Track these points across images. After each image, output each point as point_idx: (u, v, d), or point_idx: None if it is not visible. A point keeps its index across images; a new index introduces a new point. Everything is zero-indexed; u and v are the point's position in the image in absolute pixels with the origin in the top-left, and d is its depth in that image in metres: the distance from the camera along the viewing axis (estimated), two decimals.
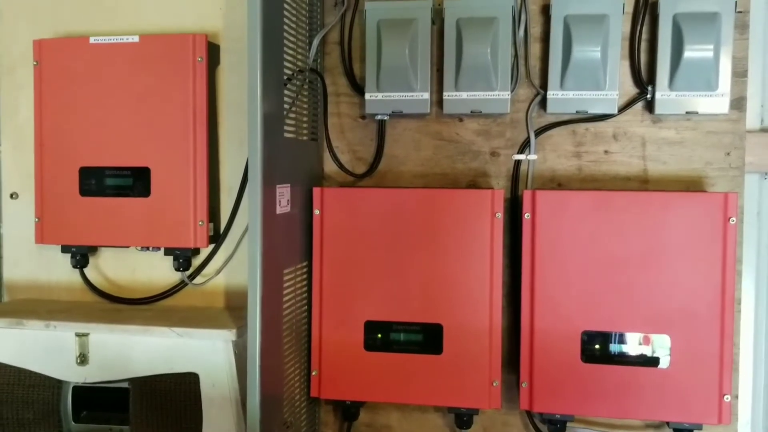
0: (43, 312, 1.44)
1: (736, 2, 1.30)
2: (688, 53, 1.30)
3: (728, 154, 1.37)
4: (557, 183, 1.42)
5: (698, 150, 1.38)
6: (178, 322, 1.37)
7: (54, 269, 1.58)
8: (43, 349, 1.39)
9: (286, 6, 1.27)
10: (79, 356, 1.38)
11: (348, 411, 1.43)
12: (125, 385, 1.43)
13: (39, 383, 1.45)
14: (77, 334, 1.37)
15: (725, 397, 1.26)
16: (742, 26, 1.34)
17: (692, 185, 1.38)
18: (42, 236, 1.49)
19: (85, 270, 1.53)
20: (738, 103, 1.35)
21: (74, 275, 1.55)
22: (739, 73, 1.35)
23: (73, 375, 1.39)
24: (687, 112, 1.34)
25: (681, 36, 1.30)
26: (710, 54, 1.30)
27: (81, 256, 1.51)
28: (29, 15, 1.57)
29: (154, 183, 1.43)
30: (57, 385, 1.47)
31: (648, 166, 1.39)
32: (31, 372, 1.42)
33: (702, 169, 1.38)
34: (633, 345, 1.28)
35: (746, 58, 1.35)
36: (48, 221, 1.49)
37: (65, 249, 1.51)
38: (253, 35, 1.15)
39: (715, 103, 1.32)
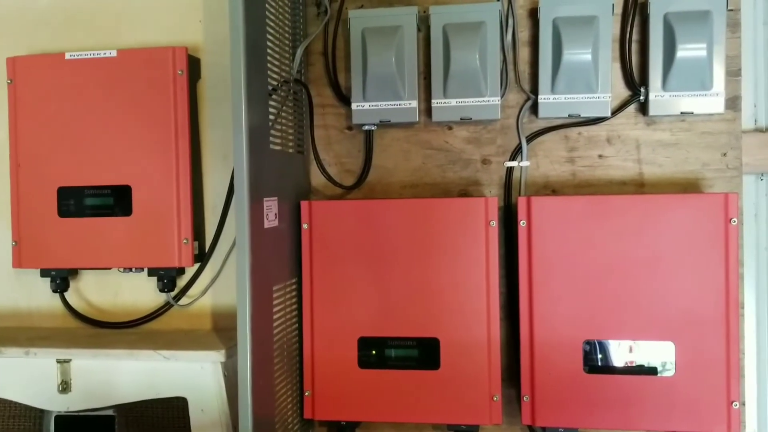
0: (23, 339, 1.41)
1: (727, 0, 1.29)
2: (681, 53, 1.28)
3: (725, 154, 1.35)
4: (551, 189, 1.39)
5: (694, 151, 1.36)
6: (164, 345, 1.34)
7: (33, 295, 1.54)
8: (23, 377, 1.36)
9: (268, 17, 1.25)
10: (61, 384, 1.34)
11: None
12: (110, 412, 1.39)
13: (19, 414, 1.42)
14: (58, 361, 1.34)
15: (733, 404, 1.23)
16: (733, 24, 1.33)
17: (689, 187, 1.36)
18: (20, 260, 1.45)
19: (66, 294, 1.50)
20: (733, 103, 1.34)
21: (55, 300, 1.51)
22: (733, 72, 1.33)
23: (55, 404, 1.36)
24: (682, 113, 1.32)
25: (673, 35, 1.28)
26: (703, 53, 1.28)
27: (61, 280, 1.47)
28: (3, 34, 1.54)
29: (136, 201, 1.40)
30: (38, 415, 1.43)
31: (643, 170, 1.37)
32: (11, 402, 1.38)
33: (699, 171, 1.36)
34: (636, 353, 1.25)
35: (739, 56, 1.33)
36: (26, 245, 1.45)
37: (44, 273, 1.47)
38: (237, 46, 1.13)
39: (710, 102, 1.31)
